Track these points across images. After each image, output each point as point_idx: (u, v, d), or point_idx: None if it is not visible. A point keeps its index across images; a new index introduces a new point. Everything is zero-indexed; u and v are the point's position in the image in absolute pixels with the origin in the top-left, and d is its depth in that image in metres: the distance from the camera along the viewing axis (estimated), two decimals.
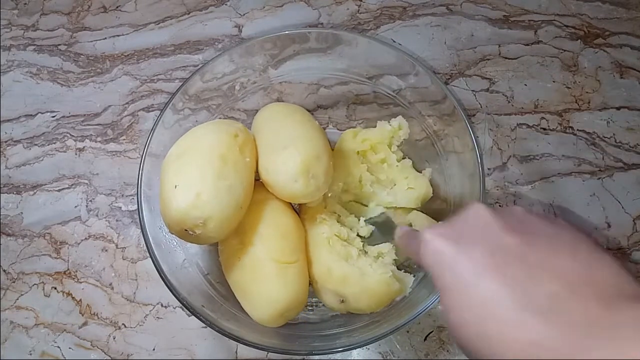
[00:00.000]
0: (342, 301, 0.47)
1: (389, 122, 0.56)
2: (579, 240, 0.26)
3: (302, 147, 0.45)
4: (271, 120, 0.52)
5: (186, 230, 0.41)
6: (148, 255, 0.47)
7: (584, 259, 0.24)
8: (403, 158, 0.56)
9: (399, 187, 0.54)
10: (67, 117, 0.69)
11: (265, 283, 0.44)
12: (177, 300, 0.46)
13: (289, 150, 0.45)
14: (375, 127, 0.57)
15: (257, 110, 0.56)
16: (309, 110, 0.56)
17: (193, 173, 0.42)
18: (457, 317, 0.26)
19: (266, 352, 0.54)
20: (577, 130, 0.63)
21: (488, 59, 0.67)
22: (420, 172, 0.55)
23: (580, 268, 0.24)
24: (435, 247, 0.29)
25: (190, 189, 0.40)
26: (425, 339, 0.54)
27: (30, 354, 0.57)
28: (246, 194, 0.45)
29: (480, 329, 0.24)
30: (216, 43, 0.72)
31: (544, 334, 0.21)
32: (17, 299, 0.60)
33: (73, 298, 0.59)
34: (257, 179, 0.49)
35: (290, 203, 0.51)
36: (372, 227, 0.53)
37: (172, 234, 0.43)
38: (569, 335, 0.21)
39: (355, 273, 0.46)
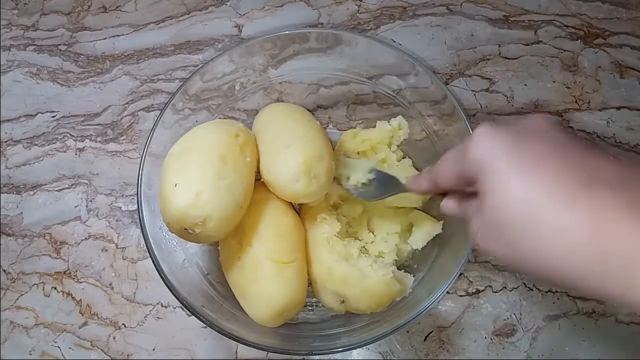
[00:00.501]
0: (342, 301, 0.47)
1: (388, 122, 0.56)
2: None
3: (303, 147, 0.45)
4: (272, 120, 0.52)
5: (186, 229, 0.41)
6: (148, 255, 0.47)
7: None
8: (403, 158, 0.57)
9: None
10: (67, 117, 0.69)
11: (263, 283, 0.45)
12: (177, 300, 0.46)
13: (290, 150, 0.45)
14: (374, 127, 0.57)
15: (257, 111, 0.56)
16: (309, 110, 0.56)
17: (193, 172, 0.42)
18: (506, 213, 0.25)
19: (266, 352, 0.54)
20: (577, 130, 0.63)
21: (488, 59, 0.67)
22: (420, 172, 0.55)
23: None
24: (493, 135, 0.27)
25: (190, 188, 0.41)
26: (425, 339, 0.54)
27: (30, 354, 0.57)
28: (246, 194, 0.45)
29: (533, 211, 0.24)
30: (216, 43, 0.72)
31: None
32: (17, 299, 0.60)
33: (73, 298, 0.59)
34: (258, 178, 0.49)
35: (291, 203, 0.51)
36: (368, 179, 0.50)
37: (172, 232, 0.43)
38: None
39: (356, 273, 0.46)
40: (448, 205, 0.36)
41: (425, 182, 0.37)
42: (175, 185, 0.41)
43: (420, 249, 0.51)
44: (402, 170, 0.54)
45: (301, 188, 0.44)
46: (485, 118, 0.63)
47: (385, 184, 0.48)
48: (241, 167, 0.45)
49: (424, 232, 0.51)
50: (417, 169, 0.56)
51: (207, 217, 0.41)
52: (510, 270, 0.54)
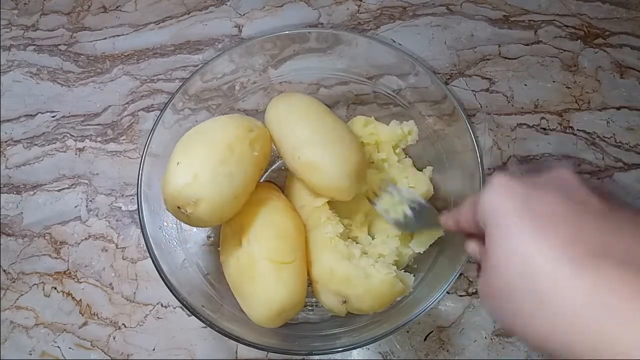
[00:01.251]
0: (344, 302, 0.47)
1: (400, 124, 0.55)
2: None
3: (355, 148, 0.47)
4: (296, 113, 0.50)
5: (179, 207, 0.42)
6: (148, 255, 0.47)
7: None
8: (404, 157, 0.56)
9: (400, 186, 0.53)
10: (67, 117, 0.69)
11: (261, 283, 0.44)
12: (177, 300, 0.46)
13: (341, 148, 0.46)
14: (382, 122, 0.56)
15: (257, 111, 0.56)
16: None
17: (197, 155, 0.44)
18: (509, 273, 0.23)
19: (266, 352, 0.54)
20: (577, 130, 0.63)
21: (488, 59, 0.67)
22: (421, 171, 0.55)
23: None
24: (506, 189, 0.26)
25: (190, 169, 0.42)
26: (425, 339, 0.54)
27: (30, 354, 0.57)
28: (245, 186, 0.45)
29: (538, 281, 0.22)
30: (216, 43, 0.72)
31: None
32: (17, 299, 0.60)
33: (73, 298, 0.59)
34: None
35: (288, 203, 0.51)
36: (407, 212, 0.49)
37: (167, 209, 0.44)
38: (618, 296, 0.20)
39: (358, 274, 0.46)
40: (470, 246, 0.35)
41: (452, 221, 0.36)
42: (178, 163, 0.43)
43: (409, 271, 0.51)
44: (403, 171, 0.54)
45: (349, 186, 0.46)
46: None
47: (422, 215, 0.47)
48: (246, 160, 0.45)
49: (426, 235, 0.50)
50: (417, 169, 0.56)
51: (200, 199, 0.42)
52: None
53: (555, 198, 0.24)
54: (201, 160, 0.43)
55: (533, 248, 0.23)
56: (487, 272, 0.25)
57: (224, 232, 0.50)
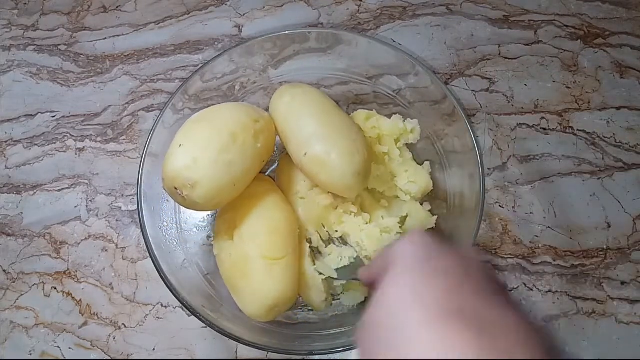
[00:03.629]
0: (326, 299, 0.49)
1: (404, 120, 0.55)
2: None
3: (362, 144, 0.47)
4: (302, 105, 0.50)
5: (176, 188, 0.43)
6: (148, 255, 0.47)
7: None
8: (406, 151, 0.56)
9: (400, 180, 0.53)
10: (67, 117, 0.69)
11: (252, 279, 0.45)
12: (177, 300, 0.46)
13: (348, 145, 0.46)
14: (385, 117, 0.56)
15: None
16: None
17: (199, 139, 0.44)
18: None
19: (266, 352, 0.54)
20: (577, 130, 0.63)
21: (488, 59, 0.67)
22: (420, 165, 0.55)
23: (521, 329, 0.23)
24: (415, 240, 0.28)
25: (190, 152, 0.43)
26: None
27: (30, 354, 0.57)
28: (244, 175, 0.46)
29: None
30: (216, 43, 0.72)
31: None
32: (17, 299, 0.60)
33: (73, 298, 0.59)
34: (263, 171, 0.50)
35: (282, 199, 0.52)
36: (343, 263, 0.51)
37: (165, 190, 0.45)
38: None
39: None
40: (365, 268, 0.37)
41: (366, 274, 0.37)
42: (180, 145, 0.43)
43: None
44: (403, 164, 0.54)
45: (356, 183, 0.47)
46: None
47: (353, 269, 0.48)
48: (249, 149, 0.46)
49: (417, 224, 0.51)
50: (418, 163, 0.56)
51: (197, 183, 0.42)
52: None
53: (451, 261, 0.26)
54: (203, 145, 0.43)
55: (408, 299, 0.24)
56: (368, 309, 0.26)
57: (218, 226, 0.50)
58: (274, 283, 0.45)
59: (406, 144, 0.56)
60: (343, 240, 0.54)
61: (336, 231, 0.52)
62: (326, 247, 0.53)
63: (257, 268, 0.45)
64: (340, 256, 0.51)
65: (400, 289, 0.25)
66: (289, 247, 0.47)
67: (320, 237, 0.53)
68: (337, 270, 0.50)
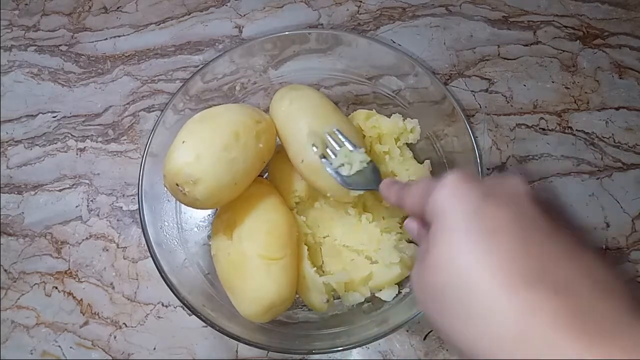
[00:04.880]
0: (327, 301, 0.48)
1: (404, 119, 0.55)
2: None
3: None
4: (301, 109, 0.50)
5: (178, 185, 0.43)
6: (149, 254, 0.47)
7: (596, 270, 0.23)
8: (406, 150, 0.56)
9: (401, 179, 0.53)
10: (68, 117, 0.69)
11: (250, 279, 0.45)
12: (177, 300, 0.46)
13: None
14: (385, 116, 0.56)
15: None
16: None
17: (203, 137, 0.44)
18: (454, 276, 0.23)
19: (266, 352, 0.54)
20: (576, 130, 0.63)
21: (487, 60, 0.67)
22: (421, 164, 0.55)
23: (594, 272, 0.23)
24: (460, 189, 0.26)
25: (194, 149, 0.43)
26: (424, 338, 0.54)
27: (31, 354, 0.57)
28: (245, 174, 0.46)
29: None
30: (217, 44, 0.72)
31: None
32: (18, 299, 0.60)
33: (74, 298, 0.59)
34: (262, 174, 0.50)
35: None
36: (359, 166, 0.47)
37: (164, 185, 0.45)
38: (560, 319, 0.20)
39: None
40: (409, 225, 0.35)
41: (394, 196, 0.36)
42: (183, 142, 0.44)
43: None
44: (403, 163, 0.54)
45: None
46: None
47: (369, 177, 0.46)
48: (251, 149, 0.46)
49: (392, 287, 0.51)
50: (418, 162, 0.56)
51: (199, 180, 0.42)
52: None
53: (504, 214, 0.24)
54: (206, 143, 0.44)
55: (473, 263, 0.23)
56: (423, 267, 0.25)
57: (216, 225, 0.50)
58: (271, 283, 0.45)
59: (406, 144, 0.56)
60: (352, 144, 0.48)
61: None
62: (334, 155, 0.48)
63: (255, 268, 0.45)
64: (350, 162, 0.47)
65: (462, 253, 0.23)
66: (287, 248, 0.47)
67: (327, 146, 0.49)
68: (349, 177, 0.46)
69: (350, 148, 0.47)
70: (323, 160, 0.47)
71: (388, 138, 0.55)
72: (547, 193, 0.59)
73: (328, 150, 0.47)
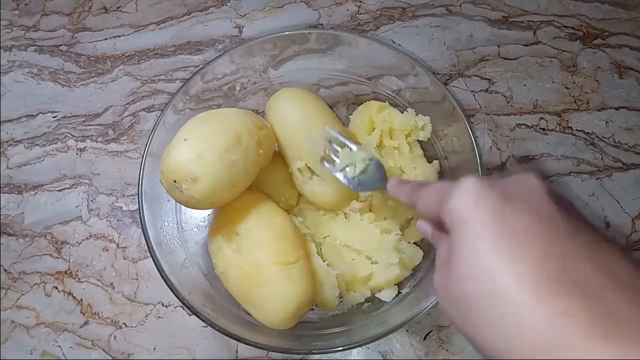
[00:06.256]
0: (339, 296, 0.49)
1: (416, 115, 0.54)
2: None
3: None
4: (295, 117, 0.50)
5: (175, 182, 0.42)
6: (149, 254, 0.47)
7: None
8: (416, 147, 0.56)
9: (408, 177, 0.53)
10: (68, 117, 0.69)
11: (271, 287, 0.44)
12: (177, 300, 0.46)
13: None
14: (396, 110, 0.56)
15: (257, 111, 0.56)
16: None
17: (205, 136, 0.44)
18: (472, 285, 0.23)
19: (266, 352, 0.54)
20: (576, 130, 0.63)
21: (487, 60, 0.67)
22: (431, 163, 0.55)
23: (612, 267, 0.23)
24: (479, 193, 0.25)
25: (195, 147, 0.43)
26: (424, 338, 0.54)
27: (31, 354, 0.57)
28: (244, 177, 0.46)
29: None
30: (217, 44, 0.72)
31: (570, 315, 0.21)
32: (18, 299, 0.60)
33: (74, 297, 0.59)
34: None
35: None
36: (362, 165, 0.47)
37: (161, 181, 0.44)
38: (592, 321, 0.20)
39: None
40: (422, 226, 0.35)
41: (405, 196, 0.36)
42: (185, 139, 0.43)
43: (419, 244, 0.52)
44: (412, 160, 0.54)
45: (343, 201, 0.50)
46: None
47: (375, 175, 0.45)
48: (251, 153, 0.46)
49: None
50: (427, 160, 0.55)
51: (198, 178, 0.42)
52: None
53: (525, 217, 0.24)
54: (208, 142, 0.43)
55: (499, 270, 0.23)
56: (448, 276, 0.26)
57: (215, 243, 0.48)
58: (295, 287, 0.44)
59: (417, 142, 0.56)
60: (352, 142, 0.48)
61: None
62: (335, 157, 0.48)
63: (275, 275, 0.44)
64: (353, 162, 0.46)
65: (487, 260, 0.23)
66: (300, 250, 0.47)
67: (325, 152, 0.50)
68: (355, 178, 0.45)
69: (353, 148, 0.47)
70: (327, 165, 0.47)
71: (399, 133, 0.54)
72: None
73: (329, 153, 0.48)
